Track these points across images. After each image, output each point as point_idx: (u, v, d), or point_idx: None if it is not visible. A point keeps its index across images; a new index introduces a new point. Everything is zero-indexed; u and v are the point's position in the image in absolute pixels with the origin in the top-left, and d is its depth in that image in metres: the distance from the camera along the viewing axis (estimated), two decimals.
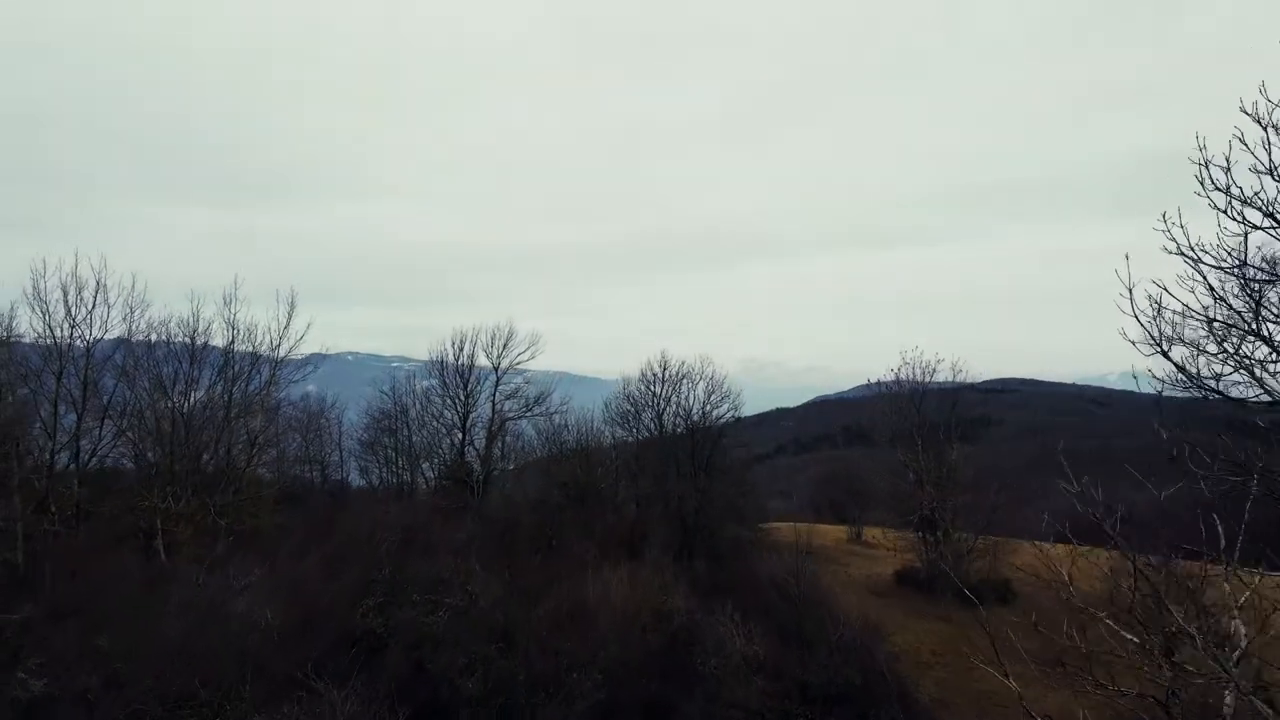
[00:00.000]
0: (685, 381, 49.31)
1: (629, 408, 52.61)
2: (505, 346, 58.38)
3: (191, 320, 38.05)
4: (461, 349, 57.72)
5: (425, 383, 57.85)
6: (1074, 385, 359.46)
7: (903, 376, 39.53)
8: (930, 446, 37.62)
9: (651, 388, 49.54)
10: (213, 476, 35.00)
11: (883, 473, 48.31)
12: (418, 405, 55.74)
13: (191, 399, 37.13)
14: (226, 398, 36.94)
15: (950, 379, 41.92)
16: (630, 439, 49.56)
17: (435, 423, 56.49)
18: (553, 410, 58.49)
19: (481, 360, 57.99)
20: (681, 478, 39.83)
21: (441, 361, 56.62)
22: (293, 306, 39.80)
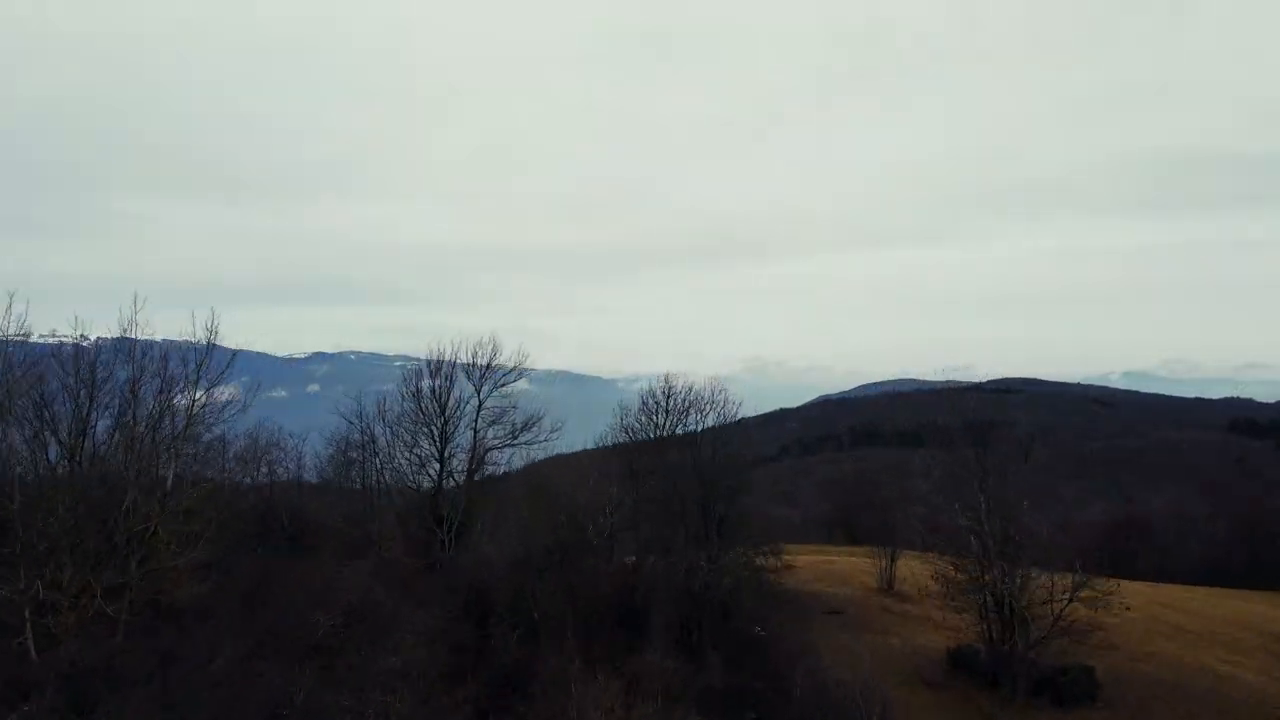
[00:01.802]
0: (693, 411, 41.78)
1: (625, 438, 45.04)
2: (489, 366, 51.02)
3: (86, 347, 30.06)
4: (439, 369, 50.32)
5: (394, 387, 50.21)
6: (1077, 385, 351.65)
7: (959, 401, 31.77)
8: (997, 506, 29.96)
9: (653, 418, 41.98)
10: (105, 548, 27.33)
11: (927, 515, 40.78)
12: (388, 434, 48.21)
13: (84, 448, 29.49)
14: (125, 447, 29.16)
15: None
16: (629, 475, 41.98)
17: (409, 453, 48.99)
18: (542, 438, 51.22)
19: (470, 370, 50.83)
20: (690, 540, 32.30)
21: (417, 382, 49.23)
22: (214, 330, 31.78)
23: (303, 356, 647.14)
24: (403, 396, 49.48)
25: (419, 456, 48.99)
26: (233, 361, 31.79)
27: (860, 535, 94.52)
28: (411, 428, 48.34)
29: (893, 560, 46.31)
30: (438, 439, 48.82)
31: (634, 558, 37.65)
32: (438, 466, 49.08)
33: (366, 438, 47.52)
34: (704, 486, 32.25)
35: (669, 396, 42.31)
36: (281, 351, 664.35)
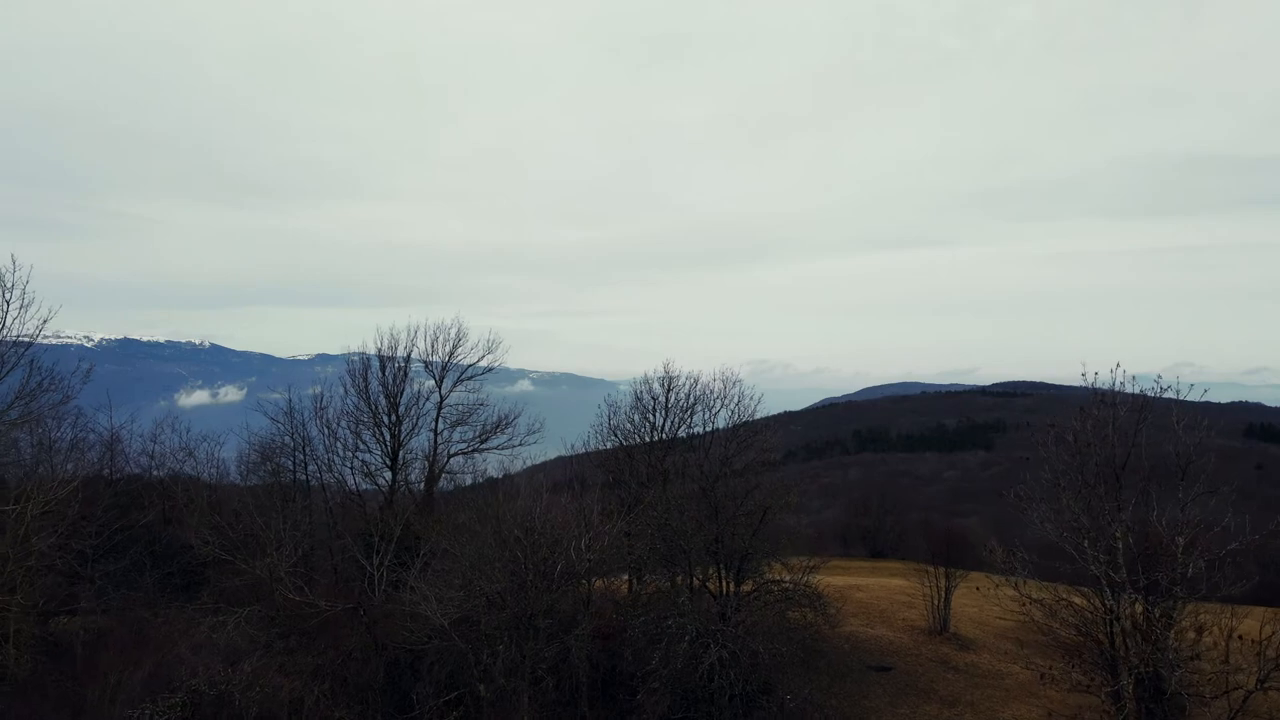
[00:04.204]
0: (700, 408, 32.38)
1: (615, 441, 35.59)
2: (452, 355, 41.65)
3: None
4: (391, 357, 40.94)
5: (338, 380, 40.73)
6: (1084, 389, 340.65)
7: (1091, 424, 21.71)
8: (1143, 546, 20.28)
9: (649, 417, 32.56)
10: None
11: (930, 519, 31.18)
12: (325, 436, 38.66)
13: None
14: None
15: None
16: (616, 490, 32.50)
17: (352, 458, 39.52)
18: (517, 442, 41.82)
19: (428, 361, 41.59)
20: (695, 592, 22.78)
21: (364, 372, 39.86)
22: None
23: (306, 358, 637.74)
24: (345, 391, 40.22)
25: (365, 464, 39.73)
26: (28, 352, 22.02)
27: (882, 548, 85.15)
28: (354, 428, 39.06)
29: (947, 594, 36.55)
30: (388, 442, 39.58)
31: (625, 579, 28.19)
32: (389, 476, 39.95)
33: (297, 441, 38.03)
34: (715, 511, 22.67)
35: (669, 390, 32.87)
36: (285, 353, 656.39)
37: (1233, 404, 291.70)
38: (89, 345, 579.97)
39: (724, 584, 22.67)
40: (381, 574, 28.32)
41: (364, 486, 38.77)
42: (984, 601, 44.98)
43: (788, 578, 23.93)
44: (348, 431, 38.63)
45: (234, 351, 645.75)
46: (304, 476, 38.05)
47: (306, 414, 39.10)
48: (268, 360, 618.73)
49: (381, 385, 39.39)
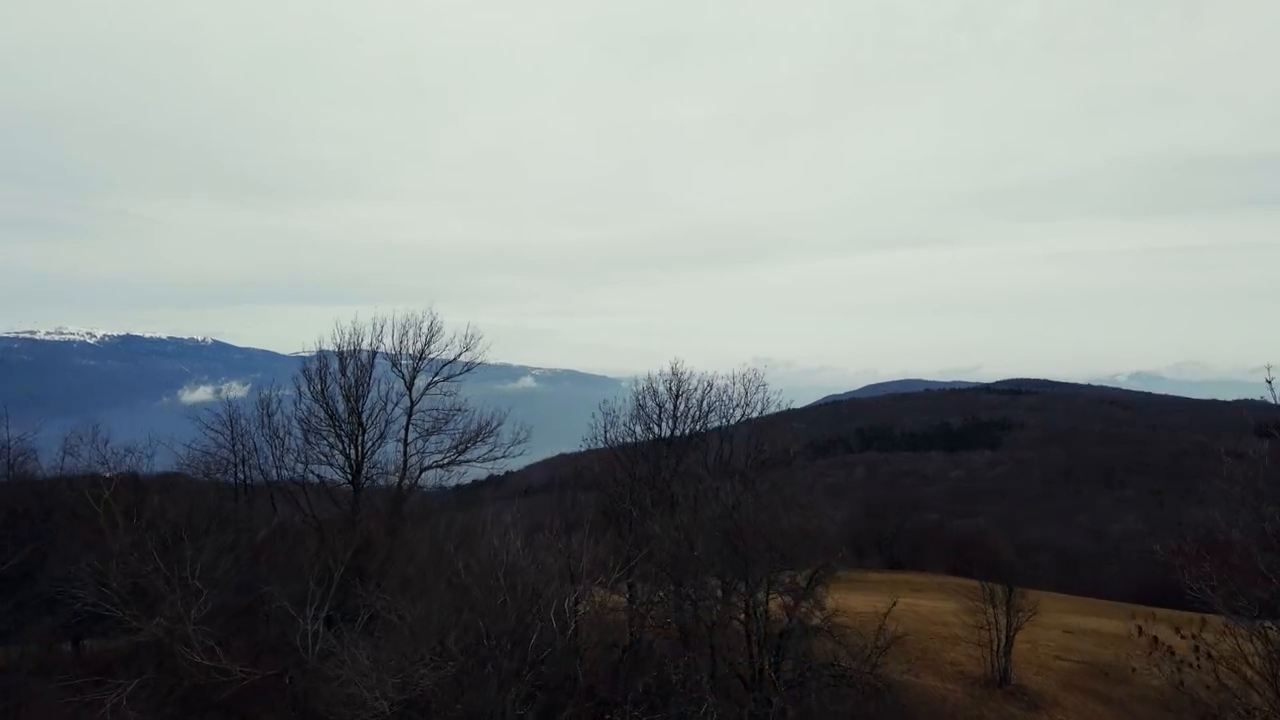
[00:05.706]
0: (714, 416, 26.35)
1: (614, 451, 29.46)
2: (424, 352, 35.54)
3: None
4: (354, 353, 34.94)
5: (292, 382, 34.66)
6: (1088, 386, 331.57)
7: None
8: None
9: (652, 427, 26.46)
10: None
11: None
12: (274, 447, 32.49)
13: None
14: None
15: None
16: (611, 513, 26.45)
17: (304, 472, 33.31)
18: (500, 454, 35.70)
19: (396, 359, 35.58)
20: (719, 679, 16.59)
21: (322, 371, 33.85)
22: None
23: (310, 355, 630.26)
24: (300, 395, 34.04)
25: (321, 480, 33.62)
26: None
27: (900, 557, 79.06)
28: (308, 438, 32.87)
29: (1009, 639, 30.36)
30: (349, 455, 33.46)
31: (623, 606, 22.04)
32: (350, 493, 33.85)
33: (240, 455, 31.89)
34: (745, 566, 16.42)
35: (678, 396, 26.73)
36: (289, 349, 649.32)
37: (1238, 402, 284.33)
38: (91, 342, 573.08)
39: (758, 667, 16.62)
40: (317, 629, 22.17)
41: (317, 508, 32.68)
42: (1039, 632, 38.68)
43: (844, 661, 17.77)
44: (300, 442, 32.64)
45: (237, 348, 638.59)
46: (245, 497, 32.04)
47: (252, 422, 33.05)
48: (271, 357, 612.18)
49: (341, 388, 33.36)
